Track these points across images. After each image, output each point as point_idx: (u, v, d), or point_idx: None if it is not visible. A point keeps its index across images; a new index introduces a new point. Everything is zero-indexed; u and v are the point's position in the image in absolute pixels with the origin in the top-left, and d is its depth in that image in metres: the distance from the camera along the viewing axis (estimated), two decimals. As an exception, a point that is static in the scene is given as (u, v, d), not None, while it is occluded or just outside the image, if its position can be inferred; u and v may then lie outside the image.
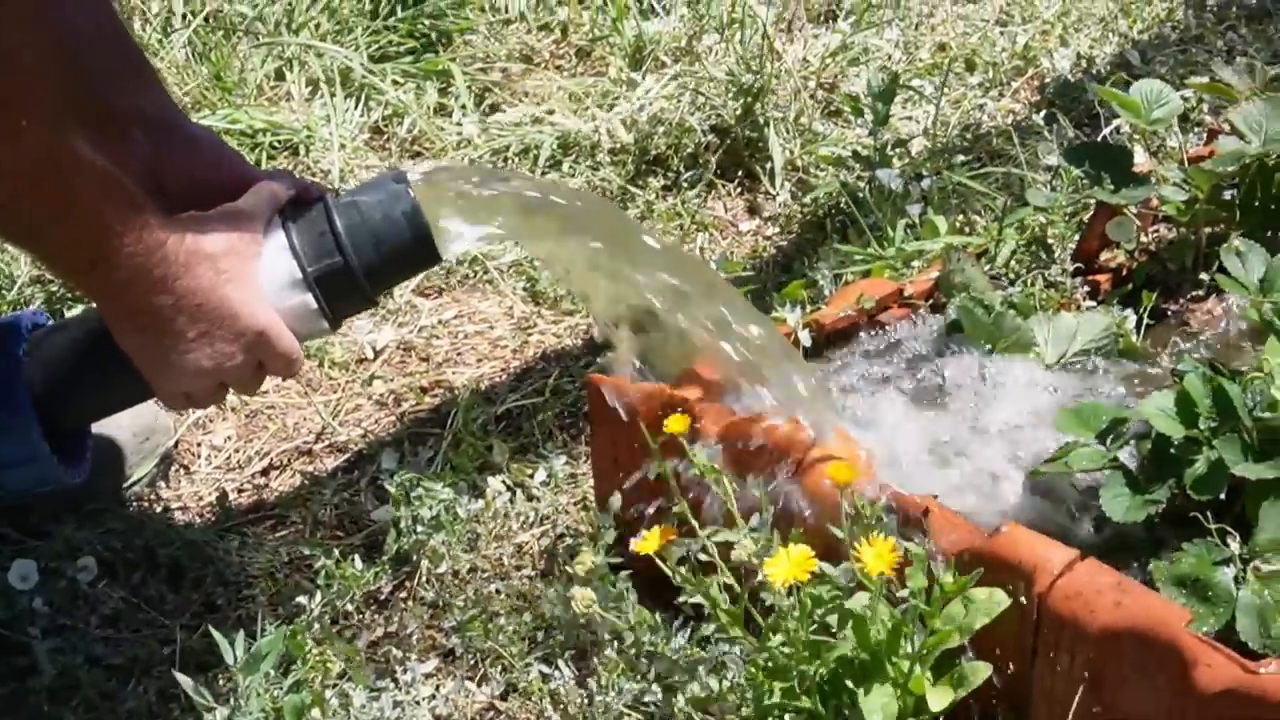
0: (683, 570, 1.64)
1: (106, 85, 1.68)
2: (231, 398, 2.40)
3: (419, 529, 2.09)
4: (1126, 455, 1.76)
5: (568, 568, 1.97)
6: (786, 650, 1.60)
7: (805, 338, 2.10)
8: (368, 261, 1.76)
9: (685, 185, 3.04)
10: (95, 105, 1.54)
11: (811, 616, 1.58)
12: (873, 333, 2.16)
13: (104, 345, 1.73)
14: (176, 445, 2.39)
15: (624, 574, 1.81)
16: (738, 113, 3.10)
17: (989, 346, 2.07)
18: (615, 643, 1.85)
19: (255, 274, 1.71)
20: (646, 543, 1.64)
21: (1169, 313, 2.23)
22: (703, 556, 1.66)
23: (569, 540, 2.14)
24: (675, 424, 1.68)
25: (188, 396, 1.78)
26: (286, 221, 1.76)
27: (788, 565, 1.52)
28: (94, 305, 1.76)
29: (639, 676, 1.82)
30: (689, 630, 1.81)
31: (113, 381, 1.84)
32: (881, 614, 1.57)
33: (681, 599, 1.68)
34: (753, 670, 1.65)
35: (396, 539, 2.10)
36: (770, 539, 1.64)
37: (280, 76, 3.31)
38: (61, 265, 1.73)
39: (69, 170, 1.51)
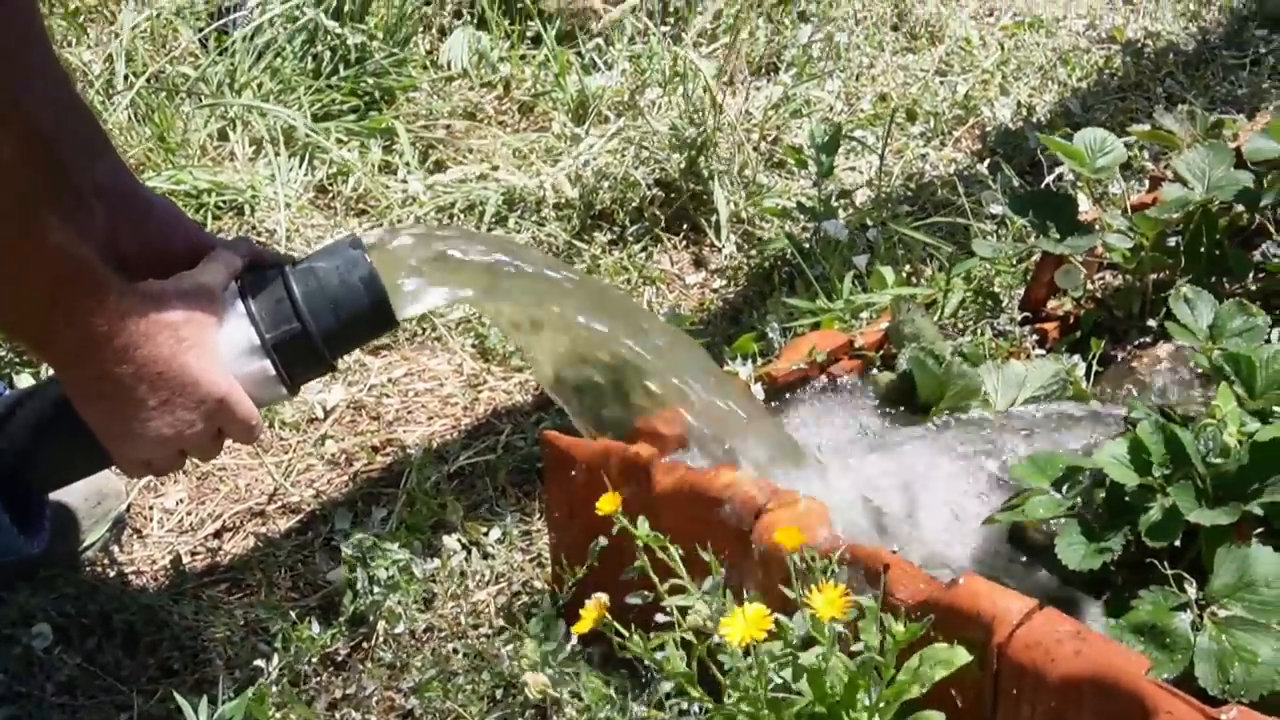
0: (634, 639, 1.62)
1: (66, 158, 1.68)
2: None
3: (375, 589, 2.08)
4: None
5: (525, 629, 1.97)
6: (745, 708, 1.59)
7: (758, 391, 2.11)
8: (326, 327, 1.76)
9: (631, 239, 3.05)
10: (58, 178, 1.54)
11: (767, 673, 1.58)
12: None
13: (63, 414, 1.72)
14: (128, 509, 2.38)
15: (574, 646, 1.82)
16: (682, 166, 3.11)
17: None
18: (575, 702, 1.85)
19: (215, 342, 1.70)
20: (582, 623, 1.62)
21: (1117, 359, 2.25)
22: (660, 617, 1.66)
23: (525, 598, 2.13)
24: (606, 504, 1.67)
25: (148, 464, 1.77)
26: (244, 289, 1.76)
27: (744, 624, 1.50)
28: (52, 374, 1.76)
29: (600, 735, 1.82)
30: (648, 687, 1.81)
31: (72, 450, 1.83)
32: (837, 667, 1.57)
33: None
34: (711, 731, 1.64)
35: (353, 600, 2.09)
36: (725, 601, 1.63)
37: (224, 137, 3.30)
38: (22, 335, 1.72)
39: (34, 248, 1.51)
